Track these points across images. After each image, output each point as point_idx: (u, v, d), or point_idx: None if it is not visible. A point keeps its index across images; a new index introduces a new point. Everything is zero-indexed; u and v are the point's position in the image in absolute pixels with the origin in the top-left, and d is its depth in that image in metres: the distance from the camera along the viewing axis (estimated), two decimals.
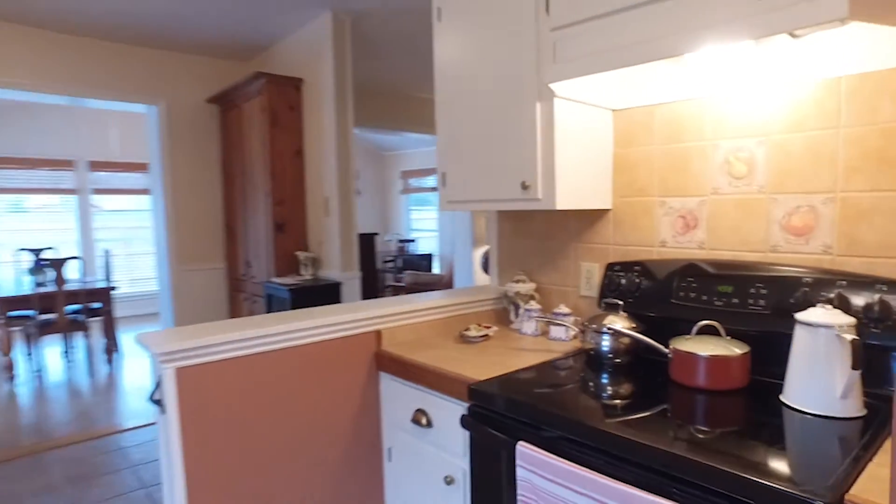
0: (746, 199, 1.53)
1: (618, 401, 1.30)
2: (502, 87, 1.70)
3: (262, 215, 3.76)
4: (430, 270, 8.65)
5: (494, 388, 1.38)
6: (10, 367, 4.88)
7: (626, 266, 1.73)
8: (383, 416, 1.85)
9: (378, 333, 1.85)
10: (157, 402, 1.55)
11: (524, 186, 1.64)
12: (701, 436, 1.08)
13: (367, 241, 6.23)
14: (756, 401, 1.27)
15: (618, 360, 1.56)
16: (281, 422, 1.68)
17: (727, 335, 1.44)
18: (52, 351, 5.86)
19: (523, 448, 1.21)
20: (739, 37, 1.15)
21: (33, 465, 3.18)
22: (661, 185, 1.71)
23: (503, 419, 1.33)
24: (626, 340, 1.55)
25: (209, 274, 4.27)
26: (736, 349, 1.35)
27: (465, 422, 1.40)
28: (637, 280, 1.69)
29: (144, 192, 7.75)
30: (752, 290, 1.44)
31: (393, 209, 9.99)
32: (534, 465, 1.19)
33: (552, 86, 1.55)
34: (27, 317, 5.04)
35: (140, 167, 7.69)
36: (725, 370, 1.34)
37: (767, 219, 1.50)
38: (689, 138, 1.63)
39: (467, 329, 1.91)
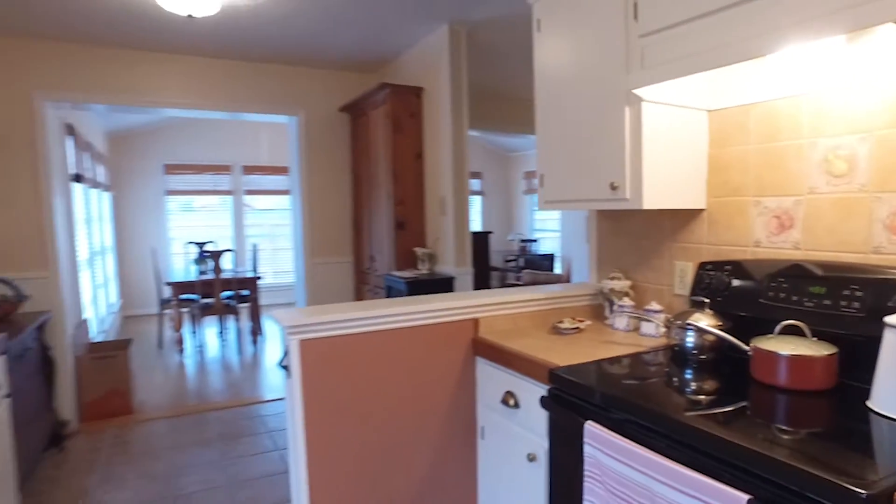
0: (846, 198, 1.50)
1: (692, 392, 1.36)
2: (593, 92, 1.79)
3: (384, 214, 4.09)
4: (551, 270, 8.67)
5: (571, 373, 1.49)
6: (179, 342, 5.73)
7: (718, 265, 1.75)
8: (478, 397, 2.02)
9: (476, 321, 2.02)
10: (285, 368, 1.85)
11: (613, 187, 1.72)
12: (775, 433, 1.11)
13: (480, 239, 6.45)
14: (840, 404, 1.26)
15: (702, 357, 1.60)
16: (388, 394, 1.91)
17: (816, 337, 1.43)
18: (210, 330, 6.74)
19: (591, 427, 1.32)
20: (841, 29, 1.15)
21: (195, 421, 3.77)
22: (756, 184, 1.70)
23: (577, 401, 1.44)
24: (709, 337, 1.58)
25: (338, 267, 4.71)
26: (822, 350, 1.34)
27: (543, 402, 1.53)
28: (727, 279, 1.70)
29: (287, 192, 8.60)
30: (847, 292, 1.42)
31: (517, 209, 10.13)
32: (600, 443, 1.29)
33: (639, 90, 1.62)
34: (192, 300, 5.87)
35: (284, 170, 8.56)
36: (808, 370, 1.34)
37: (870, 218, 1.46)
38: (785, 137, 1.62)
39: (560, 321, 2.02)
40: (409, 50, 3.97)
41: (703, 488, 1.05)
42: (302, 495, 1.85)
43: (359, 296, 4.78)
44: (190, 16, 2.77)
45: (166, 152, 7.85)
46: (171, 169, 7.91)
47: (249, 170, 8.36)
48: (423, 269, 3.84)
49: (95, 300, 5.72)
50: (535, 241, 9.47)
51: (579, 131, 1.86)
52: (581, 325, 1.99)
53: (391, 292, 3.93)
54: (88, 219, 5.64)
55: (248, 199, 8.51)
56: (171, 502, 2.71)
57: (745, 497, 0.98)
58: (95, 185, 6.07)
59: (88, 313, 5.14)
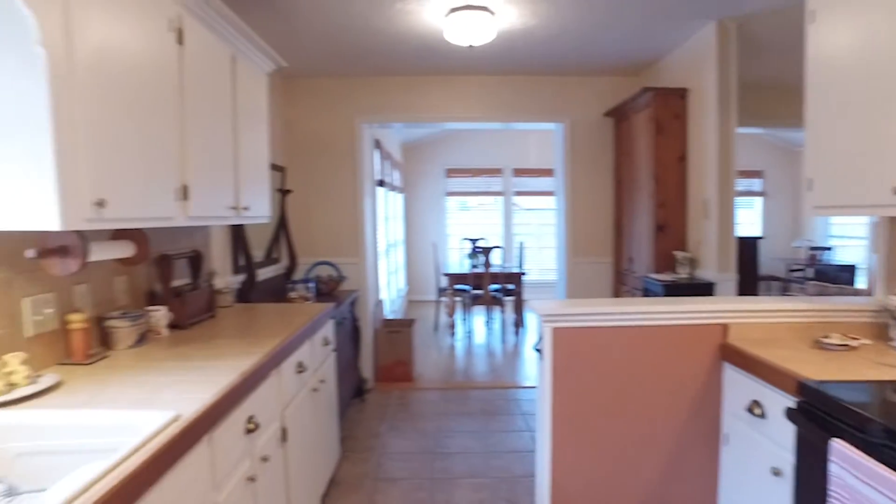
0: None
1: None
2: (879, 84, 1.61)
3: (644, 216, 4.07)
4: (850, 283, 7.35)
5: (825, 387, 1.41)
6: (452, 326, 6.52)
7: None
8: (723, 403, 1.98)
9: (725, 326, 1.98)
10: (539, 351, 2.10)
11: None
12: None
13: (748, 244, 5.87)
14: None
15: None
16: (630, 387, 2.01)
17: None
18: (478, 319, 7.47)
19: (838, 446, 1.25)
20: None
21: (461, 396, 4.32)
22: None
23: (827, 417, 1.36)
24: None
25: (597, 267, 4.82)
26: None
27: (789, 414, 1.47)
28: None
29: (553, 194, 8.96)
30: None
31: (806, 212, 8.80)
32: (849, 464, 1.22)
33: None
34: (464, 290, 6.61)
35: (551, 173, 8.93)
36: None
37: None
38: None
39: (826, 336, 1.86)
40: (674, 51, 3.88)
41: None
42: (545, 471, 2.08)
43: (616, 296, 4.83)
44: (471, 45, 3.21)
45: (447, 158, 8.92)
46: (451, 173, 8.95)
47: (519, 172, 8.95)
48: (682, 273, 3.74)
49: (389, 285, 6.86)
50: (828, 248, 8.12)
51: (858, 129, 1.69)
52: (853, 343, 1.80)
53: (648, 294, 3.91)
54: (386, 216, 6.80)
55: (516, 199, 9.12)
56: (438, 456, 3.21)
57: None
58: (393, 188, 7.27)
59: (383, 295, 6.21)
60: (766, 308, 1.97)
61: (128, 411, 1.28)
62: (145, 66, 1.67)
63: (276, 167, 4.11)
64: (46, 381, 1.46)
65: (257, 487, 1.68)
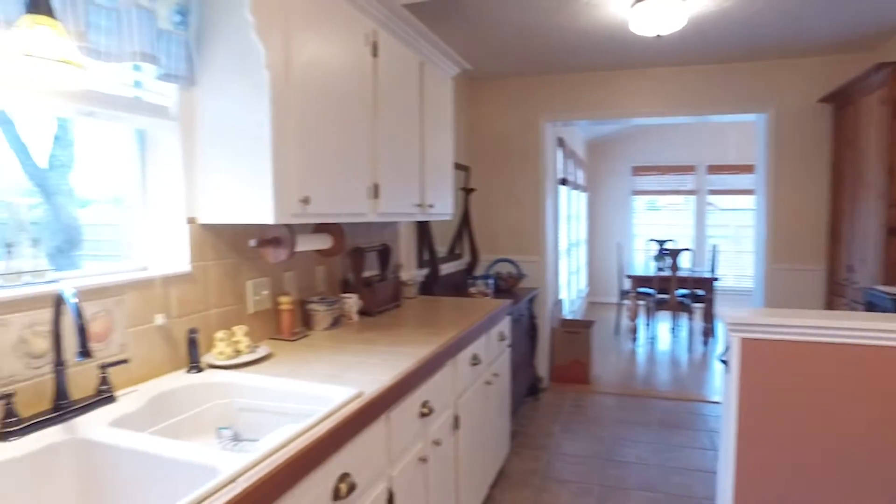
0: None
1: None
2: None
3: (871, 218, 3.48)
4: None
5: None
6: (633, 331, 6.23)
7: None
8: None
9: None
10: (724, 362, 1.93)
11: None
12: None
13: None
14: None
15: None
16: (837, 416, 1.75)
17: None
18: (662, 325, 7.02)
19: None
20: None
21: (639, 404, 4.11)
22: None
23: None
24: None
25: (805, 275, 4.24)
26: None
27: None
28: None
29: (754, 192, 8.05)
30: None
31: None
32: None
33: None
34: (648, 294, 6.26)
35: (752, 169, 8.04)
36: None
37: None
38: None
39: None
40: None
41: None
42: (727, 495, 1.90)
43: (830, 308, 4.21)
44: (658, 35, 3.04)
45: (634, 156, 8.51)
46: (638, 171, 8.52)
47: (714, 169, 8.21)
48: None
49: (569, 284, 6.76)
50: None
51: None
52: None
53: (873, 309, 3.35)
54: (569, 216, 6.70)
55: (711, 198, 8.38)
56: (610, 463, 3.10)
57: None
58: (576, 186, 7.14)
59: (563, 294, 6.14)
60: None
61: (320, 384, 1.46)
62: (344, 78, 1.88)
63: (459, 167, 4.30)
64: (261, 351, 1.73)
65: (428, 468, 1.80)
